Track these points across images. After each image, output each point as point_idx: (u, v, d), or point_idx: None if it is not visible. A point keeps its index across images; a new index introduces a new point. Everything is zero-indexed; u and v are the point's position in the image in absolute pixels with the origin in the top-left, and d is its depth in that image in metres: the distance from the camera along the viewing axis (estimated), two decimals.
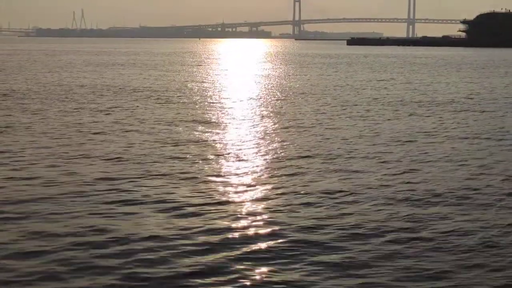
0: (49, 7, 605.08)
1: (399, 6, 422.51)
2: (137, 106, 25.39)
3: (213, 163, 14.31)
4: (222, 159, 14.80)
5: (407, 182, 12.54)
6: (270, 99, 29.03)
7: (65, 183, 12.18)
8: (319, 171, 13.52)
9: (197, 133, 18.60)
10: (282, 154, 15.43)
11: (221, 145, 16.68)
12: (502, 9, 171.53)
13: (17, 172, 13.13)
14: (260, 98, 29.72)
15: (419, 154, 15.69)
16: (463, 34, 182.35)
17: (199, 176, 12.88)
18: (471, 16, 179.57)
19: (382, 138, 18.02)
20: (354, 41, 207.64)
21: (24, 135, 17.85)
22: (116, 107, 24.95)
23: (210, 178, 12.78)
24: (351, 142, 17.36)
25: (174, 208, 10.47)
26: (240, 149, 16.02)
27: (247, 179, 12.73)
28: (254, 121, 21.53)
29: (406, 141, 17.55)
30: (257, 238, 9.04)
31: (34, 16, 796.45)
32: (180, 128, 19.47)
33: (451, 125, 21.20)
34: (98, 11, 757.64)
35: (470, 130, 20.14)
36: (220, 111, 24.42)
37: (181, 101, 27.89)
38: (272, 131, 19.14)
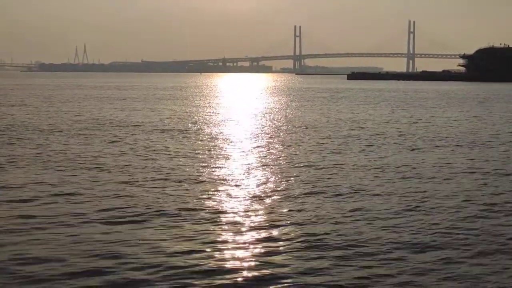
0: (52, 42, 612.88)
1: (398, 41, 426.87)
2: (139, 139, 25.34)
3: (214, 201, 14.20)
4: (224, 195, 14.68)
5: (413, 221, 12.42)
6: (272, 133, 28.99)
7: (65, 221, 12.09)
8: (323, 207, 13.41)
9: (200, 166, 18.51)
10: (286, 189, 15.32)
11: (225, 180, 16.57)
12: (500, 44, 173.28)
13: (17, 204, 13.06)
14: (263, 132, 29.69)
15: (425, 189, 15.59)
16: (462, 69, 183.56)
17: (202, 214, 12.78)
18: (470, 51, 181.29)
19: (386, 173, 17.93)
20: (355, 75, 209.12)
21: (27, 169, 17.83)
22: (119, 140, 24.90)
23: (211, 216, 12.68)
24: (355, 177, 17.26)
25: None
26: (243, 184, 15.92)
27: (252, 217, 12.62)
28: (257, 155, 21.44)
29: (410, 176, 17.45)
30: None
31: (36, 51, 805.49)
32: (183, 161, 19.39)
33: (456, 159, 21.11)
34: (101, 46, 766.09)
35: (474, 165, 20.04)
36: (223, 145, 24.34)
37: (185, 135, 27.87)
38: (275, 166, 19.03)
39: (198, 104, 54.53)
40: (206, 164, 19.29)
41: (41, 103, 53.89)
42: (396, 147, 24.47)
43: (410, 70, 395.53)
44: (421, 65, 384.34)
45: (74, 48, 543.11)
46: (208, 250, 10.18)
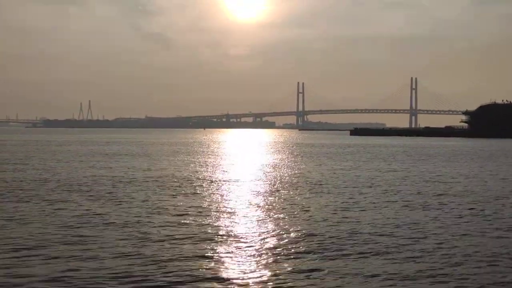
0: (56, 98, 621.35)
1: (401, 97, 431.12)
2: (144, 196, 25.11)
3: (220, 261, 13.85)
4: (231, 254, 14.34)
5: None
6: (279, 190, 28.68)
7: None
8: (335, 272, 13.05)
9: (207, 224, 18.20)
10: (294, 251, 14.97)
11: (229, 237, 16.24)
12: (502, 100, 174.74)
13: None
14: (269, 189, 29.40)
15: (439, 251, 15.20)
16: (465, 125, 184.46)
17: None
18: (472, 107, 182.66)
19: (400, 231, 17.55)
20: (357, 131, 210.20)
21: (31, 227, 17.51)
22: (128, 198, 24.68)
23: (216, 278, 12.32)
24: (367, 238, 16.88)
25: None
26: (250, 243, 15.58)
27: (261, 276, 12.26)
28: (264, 214, 21.13)
29: (423, 237, 17.07)
30: None
31: (41, 108, 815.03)
32: (192, 219, 19.09)
33: (468, 217, 20.74)
34: (105, 103, 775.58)
35: (487, 222, 19.66)
36: (227, 200, 24.07)
37: (191, 191, 27.61)
38: (283, 225, 18.69)
39: (202, 160, 54.41)
40: (211, 222, 18.97)
41: (45, 159, 53.91)
42: (411, 203, 24.14)
43: (413, 126, 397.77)
44: (424, 121, 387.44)
45: (78, 104, 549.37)
46: None
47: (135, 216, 19.82)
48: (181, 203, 23.37)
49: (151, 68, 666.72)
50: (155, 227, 17.81)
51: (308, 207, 22.54)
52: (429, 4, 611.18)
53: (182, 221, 18.92)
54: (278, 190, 28.58)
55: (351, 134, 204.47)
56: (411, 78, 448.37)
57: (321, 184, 31.69)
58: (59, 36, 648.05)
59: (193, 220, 19.17)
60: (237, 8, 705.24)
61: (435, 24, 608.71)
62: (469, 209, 22.76)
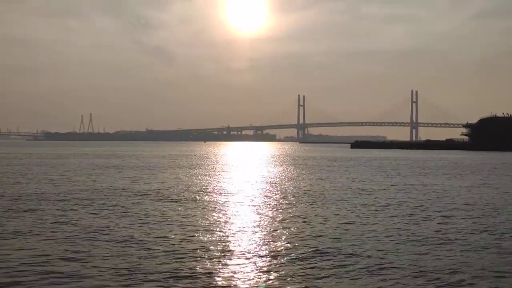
0: (57, 111, 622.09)
1: (402, 110, 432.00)
2: (146, 208, 24.99)
3: (219, 275, 13.71)
4: (230, 270, 14.20)
5: None
6: (282, 205, 28.53)
7: None
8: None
9: (210, 238, 18.08)
10: (298, 268, 14.83)
11: (230, 251, 16.10)
12: (503, 113, 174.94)
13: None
14: (273, 203, 29.26)
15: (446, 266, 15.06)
16: (466, 138, 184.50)
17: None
18: (473, 120, 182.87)
19: (407, 245, 17.40)
20: (358, 144, 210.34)
21: (32, 240, 17.39)
22: (131, 210, 24.57)
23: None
24: (378, 254, 16.73)
25: None
26: (251, 258, 15.44)
27: None
28: (268, 228, 21.01)
29: (428, 251, 16.93)
30: None
31: (42, 121, 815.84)
32: (194, 233, 18.96)
33: (472, 231, 20.59)
34: (106, 115, 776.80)
35: (491, 237, 19.51)
36: (228, 214, 23.94)
37: (194, 205, 27.50)
38: (286, 239, 18.56)
39: (203, 173, 54.27)
40: (213, 235, 18.84)
41: (46, 172, 53.82)
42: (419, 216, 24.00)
43: (414, 139, 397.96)
44: (425, 134, 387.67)
45: (79, 117, 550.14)
46: None
47: (136, 229, 19.70)
48: (183, 217, 23.21)
49: (152, 81, 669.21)
50: (156, 240, 17.68)
51: (311, 221, 22.39)
52: (428, 17, 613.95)
53: (185, 235, 18.77)
54: (282, 204, 28.43)
55: (352, 147, 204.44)
56: (412, 91, 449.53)
57: (324, 198, 31.52)
58: (60, 49, 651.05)
59: (195, 234, 19.03)
60: (239, 22, 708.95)
61: (434, 37, 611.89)
62: (474, 223, 22.61)
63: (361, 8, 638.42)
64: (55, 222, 21.37)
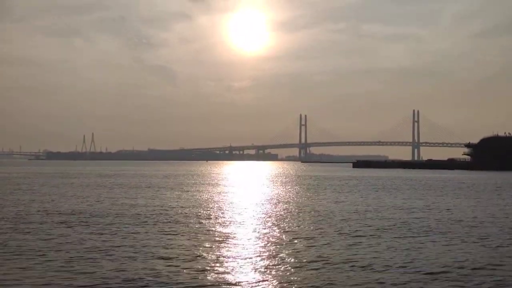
0: (59, 131, 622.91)
1: (403, 129, 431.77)
2: (150, 229, 24.98)
3: None
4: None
5: None
6: (286, 226, 28.50)
7: None
8: None
9: (212, 260, 18.06)
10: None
11: (233, 273, 16.07)
12: (504, 133, 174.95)
13: None
14: (277, 224, 29.22)
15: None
16: (467, 157, 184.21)
17: None
18: (475, 140, 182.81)
19: (414, 268, 17.35)
20: (360, 163, 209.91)
21: (34, 262, 17.38)
22: (134, 232, 24.54)
23: None
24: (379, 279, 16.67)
25: None
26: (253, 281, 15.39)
27: None
28: (272, 251, 20.97)
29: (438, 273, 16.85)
30: None
31: (44, 140, 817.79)
32: (198, 261, 18.95)
33: (478, 253, 20.54)
34: (108, 135, 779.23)
35: (496, 261, 19.44)
36: (232, 233, 23.90)
37: (197, 227, 27.48)
38: (288, 263, 18.51)
39: (207, 192, 54.19)
40: (217, 254, 18.82)
41: (50, 193, 53.83)
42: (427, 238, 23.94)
43: (416, 158, 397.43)
44: (426, 153, 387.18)
45: (81, 137, 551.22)
46: None
47: (140, 250, 19.69)
48: (188, 237, 23.20)
49: (154, 101, 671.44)
50: (160, 260, 17.66)
51: (315, 241, 22.37)
52: (429, 36, 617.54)
53: (191, 255, 18.77)
54: (290, 225, 28.41)
55: (353, 167, 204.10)
56: (413, 111, 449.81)
57: (329, 217, 31.47)
58: (63, 68, 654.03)
59: (201, 253, 19.02)
60: (240, 41, 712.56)
61: (435, 56, 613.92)
62: (481, 245, 22.55)
63: (362, 27, 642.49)
64: (57, 242, 21.35)
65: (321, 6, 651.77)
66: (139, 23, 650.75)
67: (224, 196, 49.87)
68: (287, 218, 30.89)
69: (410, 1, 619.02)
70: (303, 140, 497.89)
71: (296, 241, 22.32)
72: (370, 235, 24.18)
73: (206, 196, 49.37)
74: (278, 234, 24.29)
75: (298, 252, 19.68)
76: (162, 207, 37.29)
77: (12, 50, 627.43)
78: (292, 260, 18.09)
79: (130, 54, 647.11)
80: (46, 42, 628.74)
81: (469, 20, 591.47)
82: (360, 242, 22.20)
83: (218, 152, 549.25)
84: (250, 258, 18.47)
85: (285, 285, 14.64)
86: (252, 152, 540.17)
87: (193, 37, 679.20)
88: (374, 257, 18.69)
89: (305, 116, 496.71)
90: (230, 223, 28.35)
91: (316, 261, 17.88)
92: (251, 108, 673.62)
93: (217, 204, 40.50)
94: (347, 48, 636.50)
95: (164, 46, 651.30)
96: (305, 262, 17.75)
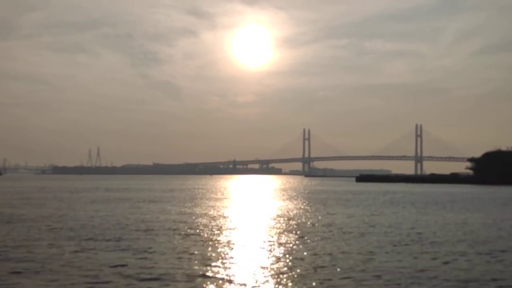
0: (65, 146, 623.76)
1: (406, 144, 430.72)
2: (155, 243, 25.48)
3: None
4: None
5: None
6: (288, 241, 28.77)
7: None
8: None
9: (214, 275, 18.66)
10: None
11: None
12: (507, 147, 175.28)
13: None
14: (279, 239, 29.59)
15: None
16: (470, 172, 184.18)
17: None
18: (477, 154, 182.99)
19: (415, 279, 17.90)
20: (363, 177, 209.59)
21: (39, 277, 17.92)
22: (139, 247, 25.11)
23: None
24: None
25: None
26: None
27: None
28: (275, 266, 21.54)
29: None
30: None
31: (50, 155, 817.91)
32: (207, 268, 19.53)
33: (484, 270, 21.05)
34: (113, 150, 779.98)
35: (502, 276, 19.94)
36: (233, 249, 24.21)
37: (200, 239, 27.99)
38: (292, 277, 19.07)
39: (214, 206, 54.59)
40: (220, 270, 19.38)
41: (58, 207, 54.30)
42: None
43: (419, 172, 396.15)
44: (429, 167, 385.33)
45: (87, 151, 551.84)
46: None
47: (149, 266, 20.30)
48: (197, 251, 23.73)
49: (159, 115, 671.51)
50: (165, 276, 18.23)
51: (324, 257, 22.88)
52: (431, 52, 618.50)
53: (197, 271, 19.34)
54: (302, 237, 28.90)
55: (357, 181, 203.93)
56: (416, 125, 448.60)
57: (331, 231, 31.85)
58: (68, 84, 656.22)
59: (207, 268, 19.59)
60: (244, 56, 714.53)
61: (437, 72, 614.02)
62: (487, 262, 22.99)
63: (364, 43, 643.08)
64: (69, 258, 21.97)
65: (324, 23, 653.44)
66: (144, 39, 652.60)
67: (230, 211, 50.19)
68: (298, 234, 31.25)
69: (412, 18, 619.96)
70: (306, 155, 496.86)
71: (305, 257, 22.83)
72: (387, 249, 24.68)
73: (217, 211, 49.71)
74: (302, 251, 24.77)
75: (305, 269, 20.22)
76: (164, 221, 37.73)
77: (19, 66, 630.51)
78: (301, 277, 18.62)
79: (135, 69, 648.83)
80: (52, 58, 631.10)
81: (470, 37, 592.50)
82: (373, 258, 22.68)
83: (222, 166, 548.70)
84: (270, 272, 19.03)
85: None
86: (256, 166, 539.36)
87: (198, 53, 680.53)
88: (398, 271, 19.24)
89: (309, 130, 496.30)
90: (236, 240, 28.75)
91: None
92: (255, 123, 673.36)
93: (223, 219, 40.92)
94: (350, 64, 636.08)
95: (169, 61, 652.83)
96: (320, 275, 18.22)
